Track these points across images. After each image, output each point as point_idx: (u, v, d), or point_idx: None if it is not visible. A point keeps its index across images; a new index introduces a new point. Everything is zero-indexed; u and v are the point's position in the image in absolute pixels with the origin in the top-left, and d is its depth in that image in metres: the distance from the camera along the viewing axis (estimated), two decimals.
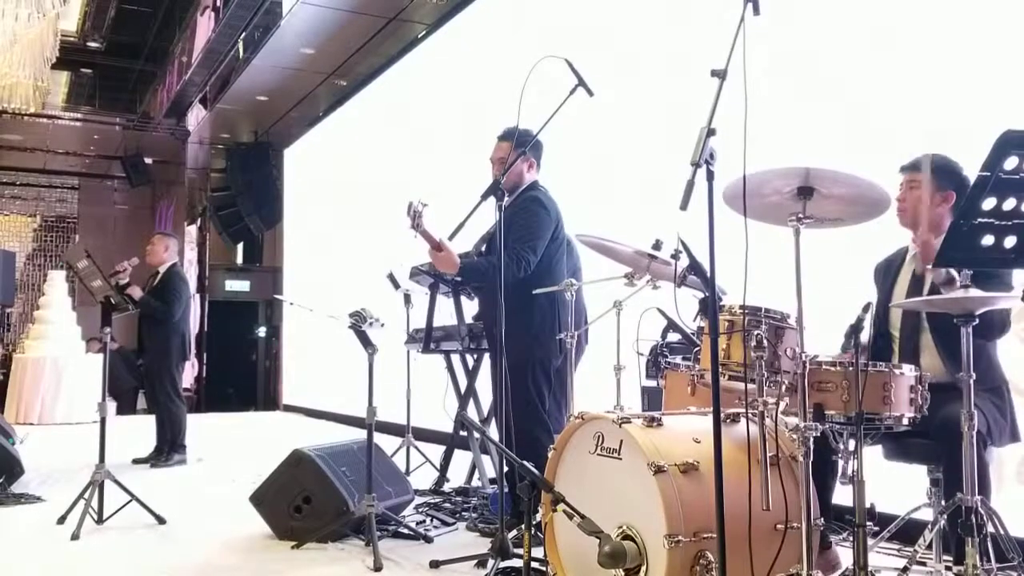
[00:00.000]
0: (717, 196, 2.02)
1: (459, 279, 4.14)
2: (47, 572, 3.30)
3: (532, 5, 6.50)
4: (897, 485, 2.89)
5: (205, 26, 11.32)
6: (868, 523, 2.24)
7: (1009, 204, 1.99)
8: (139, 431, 6.81)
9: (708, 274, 2.07)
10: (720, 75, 2.03)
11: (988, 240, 2.02)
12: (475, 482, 4.75)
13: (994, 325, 2.57)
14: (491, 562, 2.95)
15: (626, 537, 2.37)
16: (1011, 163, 1.94)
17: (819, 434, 2.27)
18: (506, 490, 3.05)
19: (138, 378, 11.09)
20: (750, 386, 2.36)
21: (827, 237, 2.71)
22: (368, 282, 6.70)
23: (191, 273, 14.34)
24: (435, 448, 5.45)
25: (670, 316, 3.28)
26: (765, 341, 2.37)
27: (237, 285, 15.92)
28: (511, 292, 3.20)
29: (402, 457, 5.30)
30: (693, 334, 3.10)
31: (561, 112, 3.08)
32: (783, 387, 2.46)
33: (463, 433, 4.94)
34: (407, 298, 5.44)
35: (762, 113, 2.29)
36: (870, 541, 2.33)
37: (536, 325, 3.55)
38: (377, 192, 8.85)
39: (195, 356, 13.44)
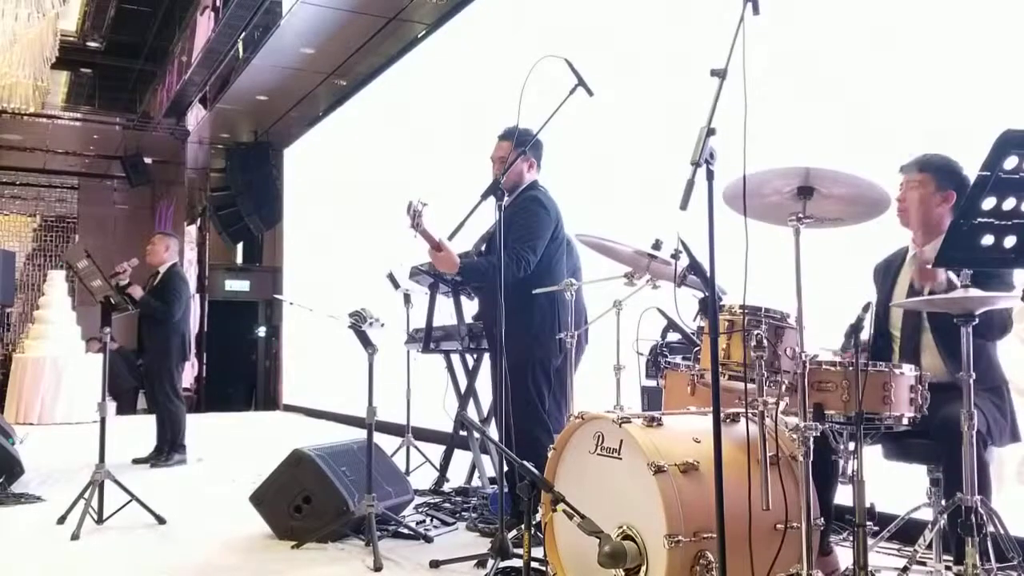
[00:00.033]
0: (717, 196, 2.02)
1: (459, 279, 4.14)
2: (47, 572, 3.29)
3: (532, 5, 6.50)
4: (897, 485, 2.89)
5: (205, 26, 11.30)
6: (868, 523, 2.25)
7: (1009, 204, 1.99)
8: (139, 431, 6.81)
9: (708, 274, 2.07)
10: (720, 75, 2.03)
11: (988, 240, 2.02)
12: (475, 482, 4.75)
13: (995, 325, 2.56)
14: (491, 562, 2.95)
15: (626, 537, 2.37)
16: (1011, 163, 1.94)
17: (819, 434, 2.27)
18: (506, 490, 3.05)
19: (138, 378, 11.10)
20: (750, 386, 2.36)
21: (827, 237, 2.71)
22: (368, 282, 6.70)
23: (191, 273, 14.32)
24: (435, 448, 5.45)
25: (670, 316, 3.28)
26: (765, 341, 2.37)
27: (237, 285, 15.88)
28: (511, 292, 3.20)
29: (402, 457, 5.30)
30: (693, 334, 3.10)
31: (561, 112, 3.08)
32: (783, 387, 2.46)
33: (463, 433, 4.94)
34: (407, 298, 5.44)
35: (762, 113, 2.29)
36: (870, 541, 2.33)
37: (536, 325, 3.55)
38: (377, 192, 8.84)
39: (195, 356, 13.43)
